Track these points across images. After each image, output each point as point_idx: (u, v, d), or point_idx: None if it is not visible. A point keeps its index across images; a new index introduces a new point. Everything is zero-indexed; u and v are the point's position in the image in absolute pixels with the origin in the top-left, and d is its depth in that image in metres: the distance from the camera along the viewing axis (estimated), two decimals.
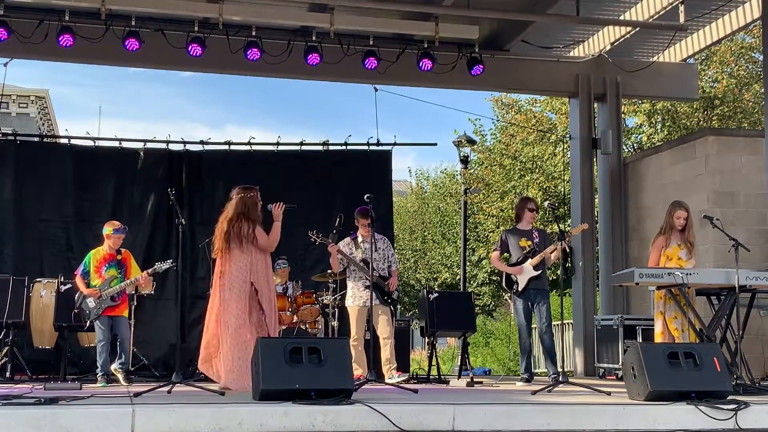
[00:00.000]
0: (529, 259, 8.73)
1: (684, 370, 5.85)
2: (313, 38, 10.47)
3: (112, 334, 8.35)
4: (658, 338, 7.79)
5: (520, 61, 12.21)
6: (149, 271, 8.58)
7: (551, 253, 8.62)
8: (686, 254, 7.92)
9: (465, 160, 16.44)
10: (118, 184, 11.25)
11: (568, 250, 8.29)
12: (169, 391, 6.34)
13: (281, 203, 7.54)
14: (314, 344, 5.76)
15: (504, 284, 9.08)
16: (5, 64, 10.81)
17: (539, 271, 8.74)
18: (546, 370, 9.26)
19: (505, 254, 9.09)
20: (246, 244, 7.31)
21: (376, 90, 11.90)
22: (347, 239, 9.08)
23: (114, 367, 8.34)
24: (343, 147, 11.89)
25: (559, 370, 8.30)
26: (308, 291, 9.97)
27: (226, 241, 7.34)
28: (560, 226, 8.28)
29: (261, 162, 11.51)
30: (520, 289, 8.78)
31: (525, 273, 8.75)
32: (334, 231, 9.10)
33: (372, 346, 8.05)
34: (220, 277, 7.37)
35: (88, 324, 8.53)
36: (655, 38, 12.27)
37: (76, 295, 8.58)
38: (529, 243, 8.81)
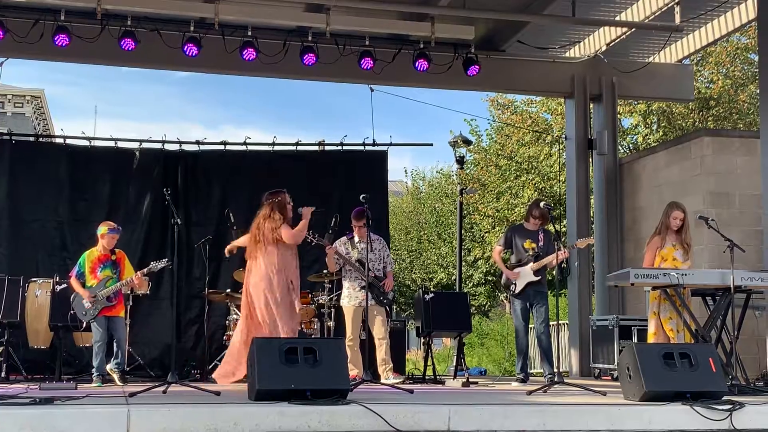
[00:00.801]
0: (531, 263, 8.70)
1: (679, 370, 5.87)
2: (309, 38, 10.45)
3: (108, 335, 8.35)
4: (650, 339, 7.79)
5: (515, 62, 12.20)
6: (144, 270, 8.56)
7: (553, 260, 8.56)
8: (681, 255, 7.92)
9: (461, 161, 16.44)
10: (114, 184, 11.22)
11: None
12: (164, 391, 6.34)
13: (311, 207, 8.12)
14: (310, 344, 5.78)
15: (502, 284, 9.07)
16: (1, 64, 10.80)
17: (539, 277, 8.71)
18: (541, 371, 9.26)
19: (507, 252, 9.07)
20: (278, 244, 7.82)
21: (372, 90, 11.91)
22: (343, 239, 9.10)
23: (109, 367, 8.32)
24: (339, 147, 11.87)
25: (555, 370, 8.31)
26: (304, 291, 9.94)
27: (257, 243, 7.86)
28: (556, 227, 8.27)
29: (257, 162, 11.50)
30: (517, 290, 8.76)
31: (524, 276, 8.73)
32: (330, 231, 9.14)
33: (367, 347, 8.06)
34: (251, 278, 7.86)
35: (84, 324, 8.53)
36: (651, 39, 12.28)
37: (72, 297, 8.57)
38: (534, 246, 8.75)
